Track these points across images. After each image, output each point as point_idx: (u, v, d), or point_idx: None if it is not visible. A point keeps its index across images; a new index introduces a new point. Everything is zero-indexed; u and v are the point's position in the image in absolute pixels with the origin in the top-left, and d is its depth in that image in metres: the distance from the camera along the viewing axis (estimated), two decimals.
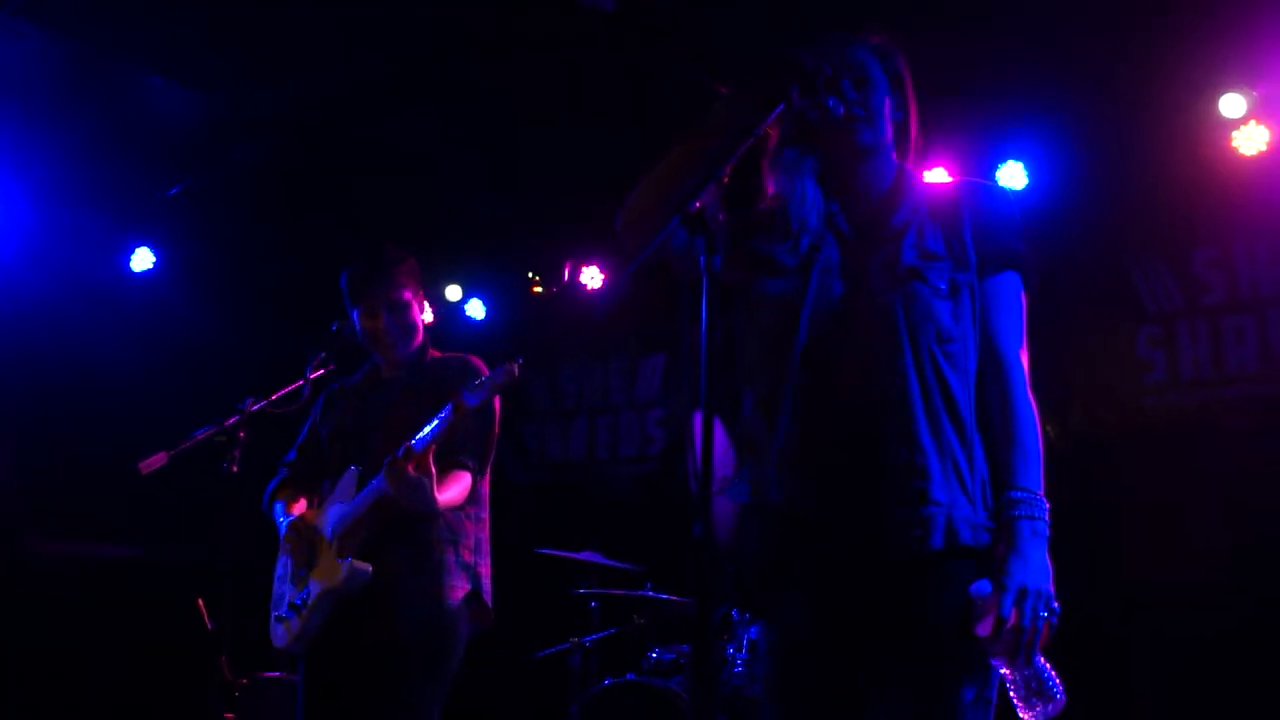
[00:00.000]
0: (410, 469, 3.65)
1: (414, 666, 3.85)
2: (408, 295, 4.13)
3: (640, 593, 6.02)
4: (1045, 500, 2.43)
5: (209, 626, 5.24)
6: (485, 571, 4.09)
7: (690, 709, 5.25)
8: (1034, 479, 2.44)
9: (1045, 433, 2.53)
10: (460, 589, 3.97)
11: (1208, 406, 6.13)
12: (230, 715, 5.45)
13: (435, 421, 3.70)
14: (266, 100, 6.82)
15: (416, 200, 7.74)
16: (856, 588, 2.44)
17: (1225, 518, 5.70)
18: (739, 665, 5.36)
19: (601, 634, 6.12)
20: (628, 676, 5.61)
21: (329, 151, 7.38)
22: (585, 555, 6.13)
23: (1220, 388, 6.12)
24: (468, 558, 4.03)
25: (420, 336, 4.22)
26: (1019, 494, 2.42)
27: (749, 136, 2.27)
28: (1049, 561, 2.38)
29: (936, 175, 6.40)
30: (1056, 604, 2.34)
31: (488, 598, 4.08)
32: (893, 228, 2.58)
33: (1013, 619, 2.30)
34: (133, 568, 7.62)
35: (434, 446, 3.68)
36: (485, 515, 4.16)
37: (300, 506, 4.11)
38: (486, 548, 4.14)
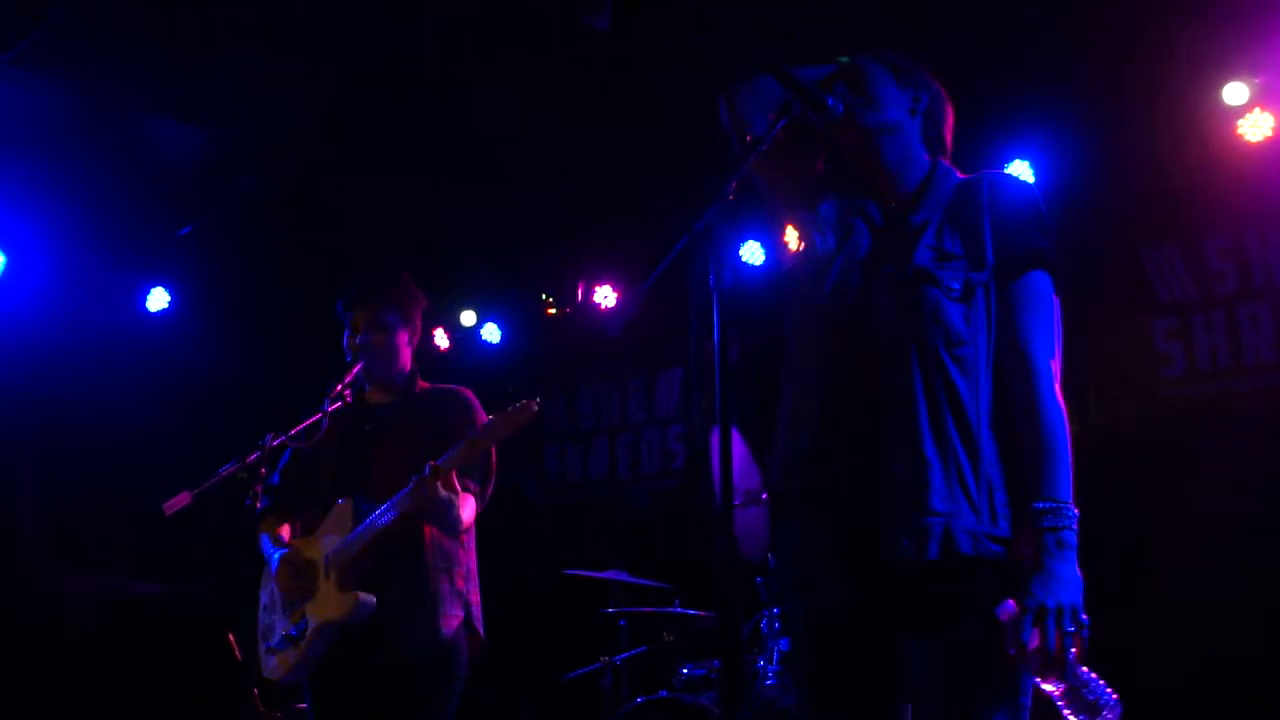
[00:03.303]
0: (440, 488, 3.66)
1: (416, 695, 3.86)
2: (390, 318, 4.15)
3: (668, 609, 6.02)
4: (1073, 508, 2.36)
5: (239, 659, 5.25)
6: (476, 600, 4.09)
7: None
8: (1059, 487, 2.37)
9: None
10: (455, 617, 3.97)
11: (1226, 396, 6.10)
12: None
13: (458, 444, 3.70)
14: (272, 131, 6.85)
15: (427, 225, 7.76)
16: (869, 586, 2.46)
17: (1246, 508, 5.66)
18: (770, 678, 5.35)
19: (631, 652, 6.11)
20: (660, 694, 5.60)
21: (337, 181, 7.41)
22: (611, 574, 6.13)
23: (1238, 377, 6.10)
24: (460, 585, 4.02)
25: (406, 364, 4.22)
26: (1044, 504, 2.35)
27: (753, 153, 2.31)
28: (1076, 572, 2.32)
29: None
30: (1085, 616, 2.29)
31: (479, 625, 4.07)
32: (912, 225, 2.58)
33: (1035, 639, 2.26)
34: (159, 604, 7.66)
35: (456, 468, 3.69)
36: (473, 543, 4.15)
37: (285, 533, 4.11)
38: (475, 575, 4.13)
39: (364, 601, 3.81)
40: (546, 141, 6.88)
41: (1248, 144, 6.01)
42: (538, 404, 3.74)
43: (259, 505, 3.96)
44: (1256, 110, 5.96)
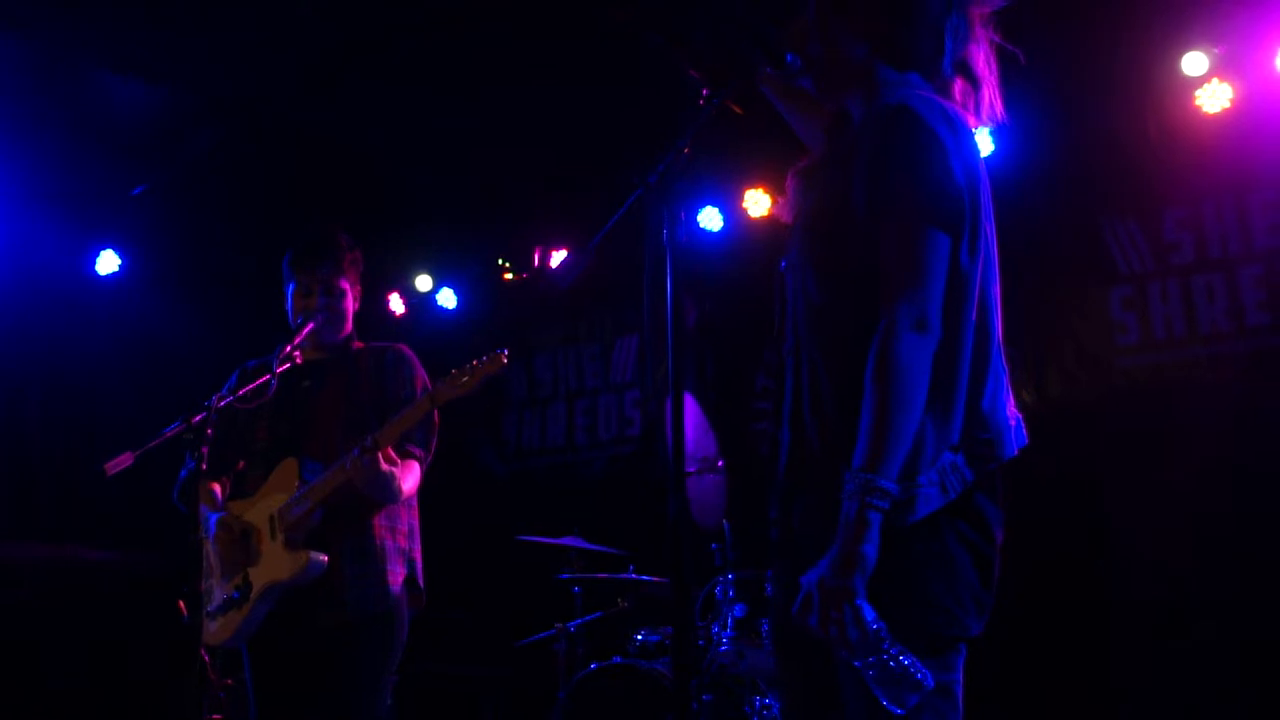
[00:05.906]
0: (380, 460, 3.67)
1: (364, 653, 3.87)
2: (344, 284, 4.16)
3: (623, 576, 6.02)
4: (886, 481, 2.15)
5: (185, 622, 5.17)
6: (418, 556, 4.12)
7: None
8: (874, 458, 2.15)
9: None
10: (399, 574, 3.99)
11: (1181, 366, 6.13)
12: (217, 717, 5.43)
13: (401, 412, 3.74)
14: (226, 92, 6.75)
15: (384, 190, 7.69)
16: (789, 561, 2.45)
17: (1201, 476, 5.70)
18: (724, 644, 5.35)
19: (586, 618, 6.11)
20: (614, 660, 5.60)
21: (292, 144, 7.33)
22: (567, 541, 6.12)
23: (1193, 346, 6.13)
24: (403, 543, 4.05)
25: (349, 327, 4.22)
26: (851, 475, 2.17)
27: (709, 109, 2.28)
28: (867, 551, 2.13)
29: None
30: (861, 600, 2.11)
31: (420, 581, 4.10)
32: (825, 173, 2.52)
33: (809, 617, 2.16)
34: (108, 570, 7.58)
35: (397, 437, 3.72)
36: (415, 501, 4.17)
37: (217, 491, 4.09)
38: (418, 533, 4.16)
39: (315, 560, 3.80)
40: (504, 106, 6.82)
41: (1205, 115, 6.01)
42: (506, 356, 3.73)
43: (203, 467, 3.91)
44: (1215, 81, 5.96)
